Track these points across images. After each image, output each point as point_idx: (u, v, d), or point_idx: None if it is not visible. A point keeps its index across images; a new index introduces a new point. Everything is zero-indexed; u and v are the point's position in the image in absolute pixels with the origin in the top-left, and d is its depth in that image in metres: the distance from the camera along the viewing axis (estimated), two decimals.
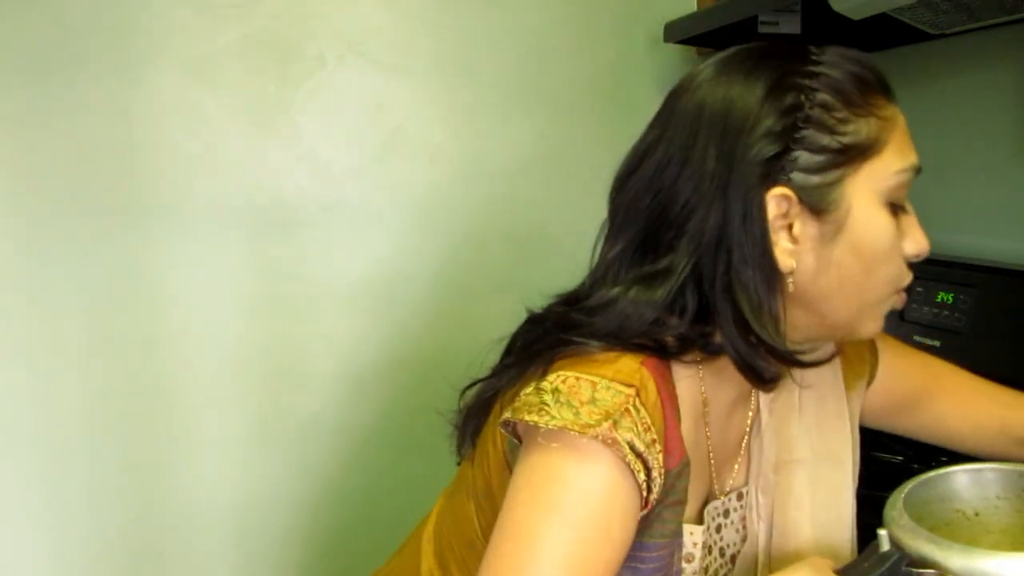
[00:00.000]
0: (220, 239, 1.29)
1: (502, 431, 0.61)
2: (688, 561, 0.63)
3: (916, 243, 0.63)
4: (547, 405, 0.55)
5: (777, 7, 1.20)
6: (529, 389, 0.59)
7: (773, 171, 0.58)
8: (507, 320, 1.45)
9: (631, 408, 0.55)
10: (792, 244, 0.59)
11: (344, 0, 1.31)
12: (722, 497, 0.68)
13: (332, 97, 1.32)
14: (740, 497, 0.70)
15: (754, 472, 0.69)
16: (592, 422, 0.54)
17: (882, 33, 1.24)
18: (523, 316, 0.82)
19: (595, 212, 1.44)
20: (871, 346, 0.79)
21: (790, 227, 0.59)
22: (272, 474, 1.36)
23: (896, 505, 0.58)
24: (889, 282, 0.62)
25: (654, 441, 0.56)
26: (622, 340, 0.60)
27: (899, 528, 0.54)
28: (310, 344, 1.36)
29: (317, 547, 1.40)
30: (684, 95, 0.65)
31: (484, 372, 0.68)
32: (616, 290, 0.64)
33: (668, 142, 0.65)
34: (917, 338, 1.21)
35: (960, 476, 0.64)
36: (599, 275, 0.69)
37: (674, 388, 0.61)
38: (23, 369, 1.25)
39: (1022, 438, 0.78)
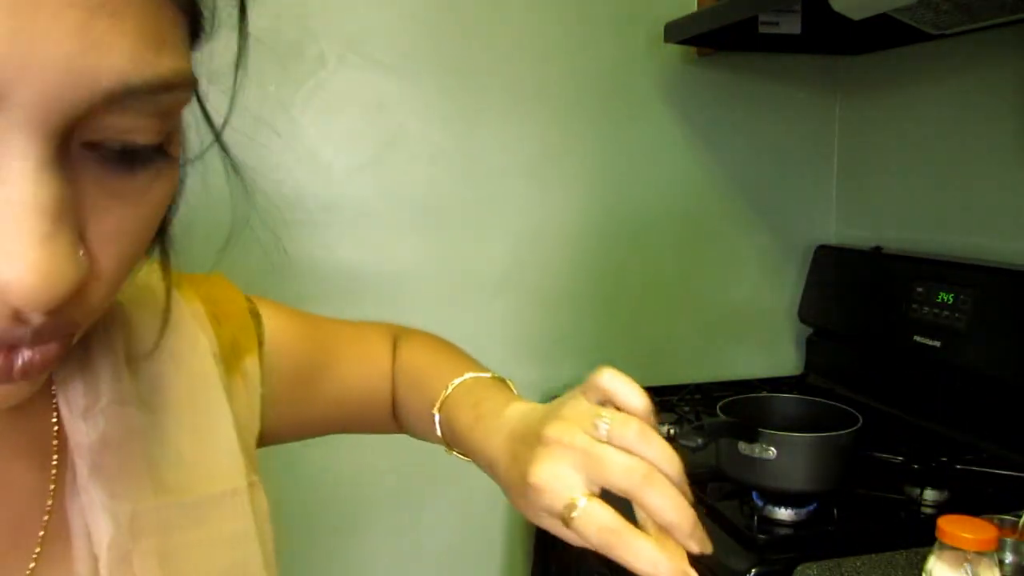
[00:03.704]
0: (219, 240, 1.29)
1: None
2: None
3: None
4: None
5: (777, 7, 1.20)
6: None
7: None
8: (506, 320, 1.46)
9: None
10: None
11: (344, 0, 1.31)
12: None
13: (332, 97, 1.32)
14: None
15: (81, 552, 0.41)
16: None
17: (882, 33, 1.24)
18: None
19: (596, 212, 1.45)
20: (250, 306, 0.59)
21: None
22: (267, 470, 1.36)
23: None
24: None
25: None
26: None
27: None
28: None
29: (315, 545, 1.40)
30: None
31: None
32: None
33: None
34: (917, 338, 1.21)
35: None
36: None
37: None
38: None
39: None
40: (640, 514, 0.43)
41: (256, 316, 0.58)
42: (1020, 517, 0.72)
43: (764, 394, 1.22)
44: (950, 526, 0.63)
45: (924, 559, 0.67)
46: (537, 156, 1.42)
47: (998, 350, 1.10)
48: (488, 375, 0.58)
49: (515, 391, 0.58)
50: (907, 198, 1.40)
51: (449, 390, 0.57)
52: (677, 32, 1.31)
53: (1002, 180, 1.22)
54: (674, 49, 1.45)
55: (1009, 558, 0.71)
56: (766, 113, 1.52)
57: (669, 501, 0.42)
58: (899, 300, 1.26)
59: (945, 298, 1.18)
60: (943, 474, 1.03)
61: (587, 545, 0.43)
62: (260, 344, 0.57)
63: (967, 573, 0.63)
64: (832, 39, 1.37)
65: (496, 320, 1.43)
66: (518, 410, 0.50)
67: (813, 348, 1.53)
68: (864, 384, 1.36)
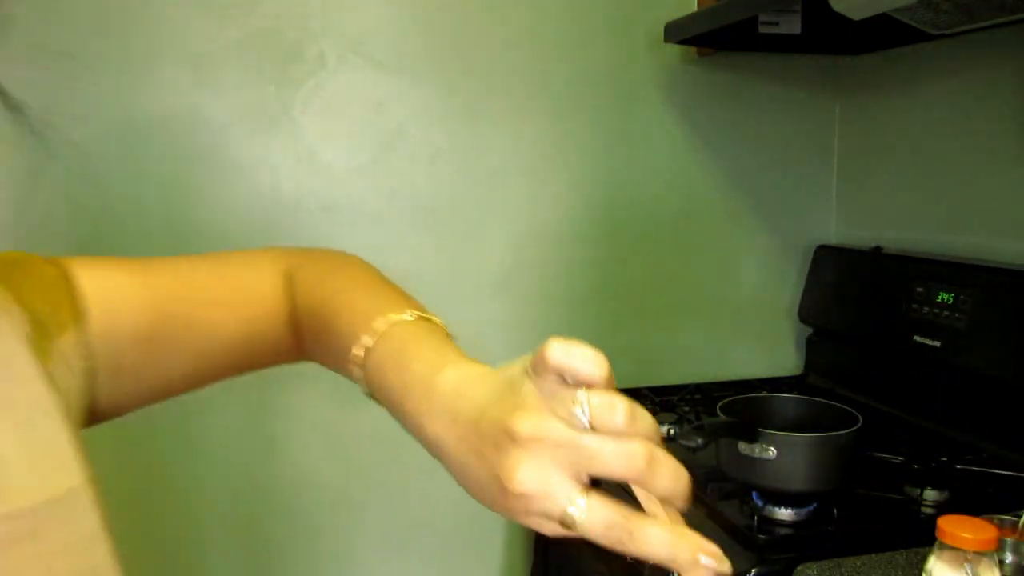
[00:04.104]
0: (219, 239, 1.29)
1: None
2: None
3: None
4: None
5: (777, 7, 1.20)
6: None
7: None
8: (507, 320, 1.46)
9: None
10: None
11: (344, 0, 1.31)
12: None
13: (332, 97, 1.32)
14: None
15: None
16: None
17: (882, 33, 1.24)
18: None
19: (596, 212, 1.45)
20: (62, 272, 0.52)
21: None
22: (267, 474, 1.36)
23: None
24: None
25: None
26: None
27: None
28: None
29: (307, 544, 1.40)
30: None
31: None
32: None
33: None
34: (917, 338, 1.21)
35: None
36: None
37: None
38: None
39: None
40: (639, 492, 0.40)
41: (70, 282, 0.51)
42: (1020, 517, 0.72)
43: (764, 394, 1.22)
44: (950, 526, 0.63)
45: (924, 559, 0.67)
46: (537, 156, 1.42)
47: (998, 350, 1.10)
48: (410, 316, 0.51)
49: (442, 327, 0.51)
50: (907, 198, 1.40)
51: (369, 342, 0.49)
52: (677, 32, 1.31)
53: (1002, 180, 1.22)
54: (674, 49, 1.45)
55: (1009, 558, 0.71)
56: (766, 113, 1.52)
57: (674, 474, 0.38)
58: (899, 300, 1.26)
59: (945, 298, 1.18)
60: (943, 474, 1.03)
61: (594, 542, 0.39)
62: (80, 313, 0.50)
63: (967, 573, 0.63)
64: (832, 39, 1.37)
65: (495, 320, 1.43)
66: (451, 380, 0.44)
67: (813, 348, 1.53)
68: (864, 384, 1.36)
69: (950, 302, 1.17)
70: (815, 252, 1.52)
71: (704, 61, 1.47)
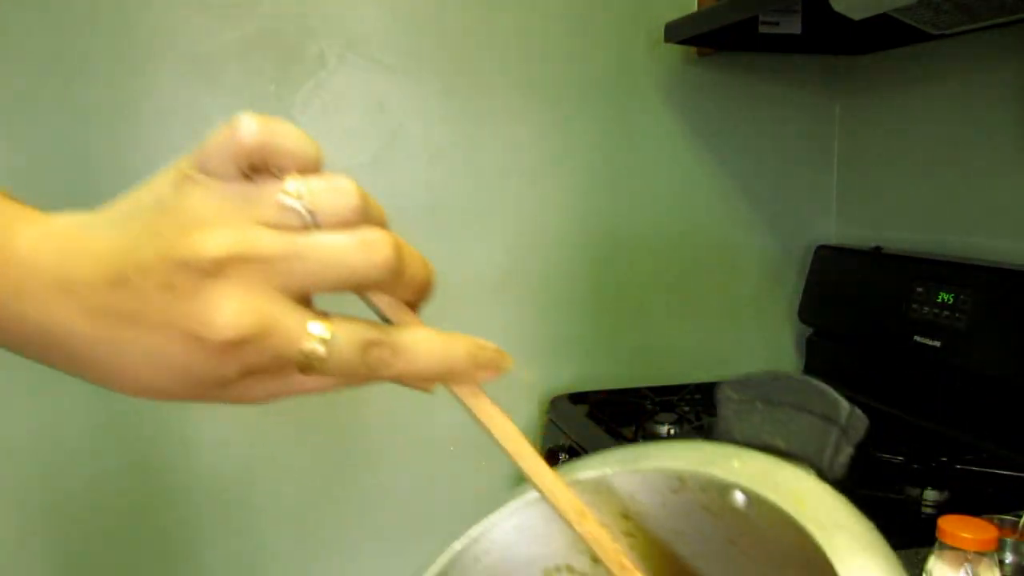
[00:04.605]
0: None
1: None
2: None
3: None
4: None
5: (777, 7, 1.20)
6: None
7: None
8: (506, 320, 1.46)
9: None
10: None
11: (344, 0, 1.31)
12: None
13: (332, 97, 1.32)
14: None
15: None
16: None
17: (882, 33, 1.24)
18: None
19: (596, 212, 1.45)
20: None
21: None
22: (268, 469, 1.37)
23: None
24: None
25: None
26: None
27: None
28: None
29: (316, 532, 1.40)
30: None
31: None
32: None
33: None
34: (917, 338, 1.21)
35: None
36: None
37: None
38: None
39: None
40: (383, 299, 0.31)
41: None
42: (1020, 517, 0.72)
43: None
44: (950, 526, 0.63)
45: (924, 559, 0.67)
46: (537, 156, 1.42)
47: (998, 350, 1.10)
48: None
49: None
50: (907, 198, 1.40)
51: None
52: (677, 32, 1.31)
53: (1002, 180, 1.22)
54: (674, 49, 1.45)
55: (1009, 558, 0.71)
56: (766, 113, 1.52)
57: (423, 264, 0.31)
58: (899, 300, 1.26)
59: (945, 298, 1.18)
60: (943, 474, 1.03)
61: (342, 383, 0.31)
62: None
63: (967, 573, 0.63)
64: (832, 39, 1.37)
65: (496, 321, 1.43)
66: (36, 239, 0.29)
67: (813, 348, 1.53)
68: (864, 384, 1.36)
69: (950, 302, 1.17)
70: (815, 252, 1.51)
71: (704, 61, 1.47)
